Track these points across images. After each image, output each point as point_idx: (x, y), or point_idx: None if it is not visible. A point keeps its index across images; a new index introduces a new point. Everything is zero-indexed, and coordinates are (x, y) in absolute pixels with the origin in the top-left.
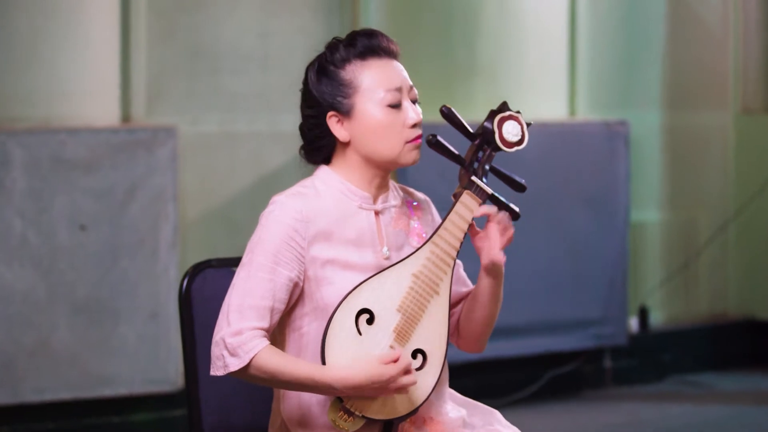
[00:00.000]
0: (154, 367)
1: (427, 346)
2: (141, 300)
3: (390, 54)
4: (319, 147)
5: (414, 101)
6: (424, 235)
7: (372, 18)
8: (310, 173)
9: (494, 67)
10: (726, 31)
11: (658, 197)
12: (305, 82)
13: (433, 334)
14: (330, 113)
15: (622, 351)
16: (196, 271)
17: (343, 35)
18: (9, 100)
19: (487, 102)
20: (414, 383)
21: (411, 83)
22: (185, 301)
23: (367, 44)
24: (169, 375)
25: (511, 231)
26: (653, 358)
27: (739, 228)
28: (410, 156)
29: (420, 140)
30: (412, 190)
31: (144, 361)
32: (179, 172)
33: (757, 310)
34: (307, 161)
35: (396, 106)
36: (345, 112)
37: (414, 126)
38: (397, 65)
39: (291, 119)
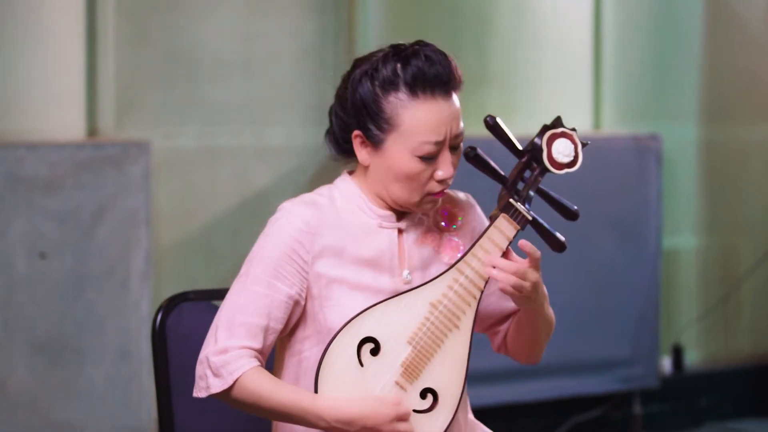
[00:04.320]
0: (125, 412)
1: (439, 386)
2: (109, 337)
3: (447, 90)
4: (343, 148)
5: (456, 147)
6: (461, 249)
7: (371, 18)
8: (305, 192)
9: (509, 73)
10: None
11: (694, 221)
12: (347, 78)
13: (447, 374)
14: (356, 132)
15: (654, 395)
16: (172, 304)
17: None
18: None
19: (501, 112)
20: None
21: (460, 128)
22: (159, 338)
23: (422, 74)
24: (141, 422)
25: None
26: (688, 403)
27: None
28: (425, 207)
29: (442, 194)
30: (451, 192)
31: (113, 406)
32: (153, 193)
33: None
34: (330, 151)
35: (430, 158)
36: (373, 143)
37: (441, 181)
38: (450, 107)
39: (279, 132)
